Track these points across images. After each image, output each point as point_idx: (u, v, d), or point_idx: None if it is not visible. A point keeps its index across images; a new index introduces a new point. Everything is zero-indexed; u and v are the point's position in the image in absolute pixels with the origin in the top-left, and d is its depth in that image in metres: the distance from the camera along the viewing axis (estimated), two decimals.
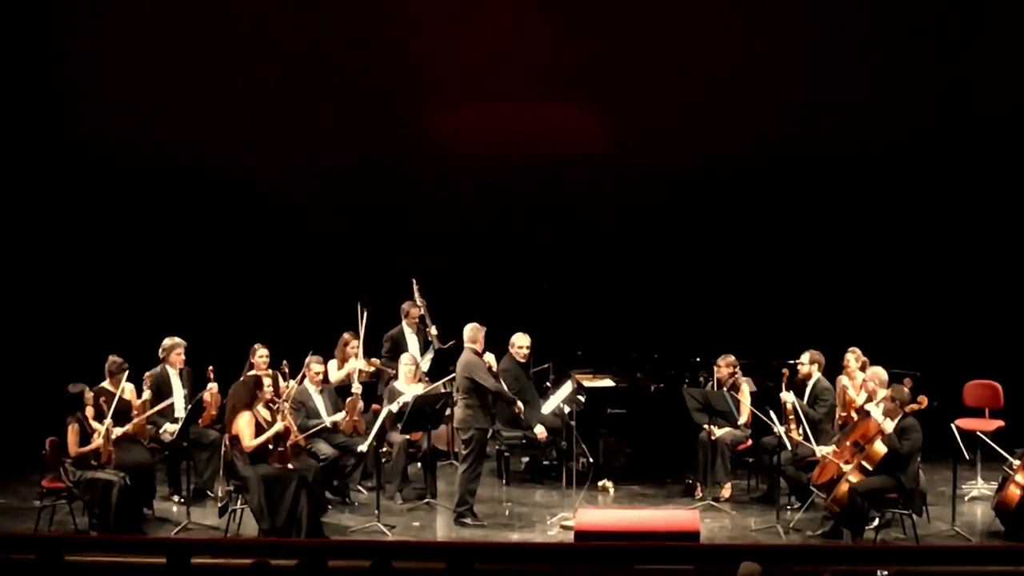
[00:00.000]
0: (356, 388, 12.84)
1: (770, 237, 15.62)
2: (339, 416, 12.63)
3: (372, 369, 13.44)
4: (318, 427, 12.51)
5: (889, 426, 11.57)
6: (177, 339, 12.85)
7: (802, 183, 15.50)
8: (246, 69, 15.55)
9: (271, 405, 11.88)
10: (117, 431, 11.88)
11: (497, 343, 13.00)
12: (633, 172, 15.53)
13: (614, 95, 15.54)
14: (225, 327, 14.68)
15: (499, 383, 12.62)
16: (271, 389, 12.01)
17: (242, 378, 12.38)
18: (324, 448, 12.48)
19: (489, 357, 12.60)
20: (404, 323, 13.94)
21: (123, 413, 12.07)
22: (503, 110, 15.63)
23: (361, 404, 12.91)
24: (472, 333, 12.37)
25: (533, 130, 15.57)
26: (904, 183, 15.47)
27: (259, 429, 11.72)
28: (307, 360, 12.66)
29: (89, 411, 11.85)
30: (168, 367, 12.76)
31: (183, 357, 12.81)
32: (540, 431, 12.94)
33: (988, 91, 15.13)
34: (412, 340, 13.89)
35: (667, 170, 15.40)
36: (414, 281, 14.02)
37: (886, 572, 9.20)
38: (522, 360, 13.32)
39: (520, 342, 13.27)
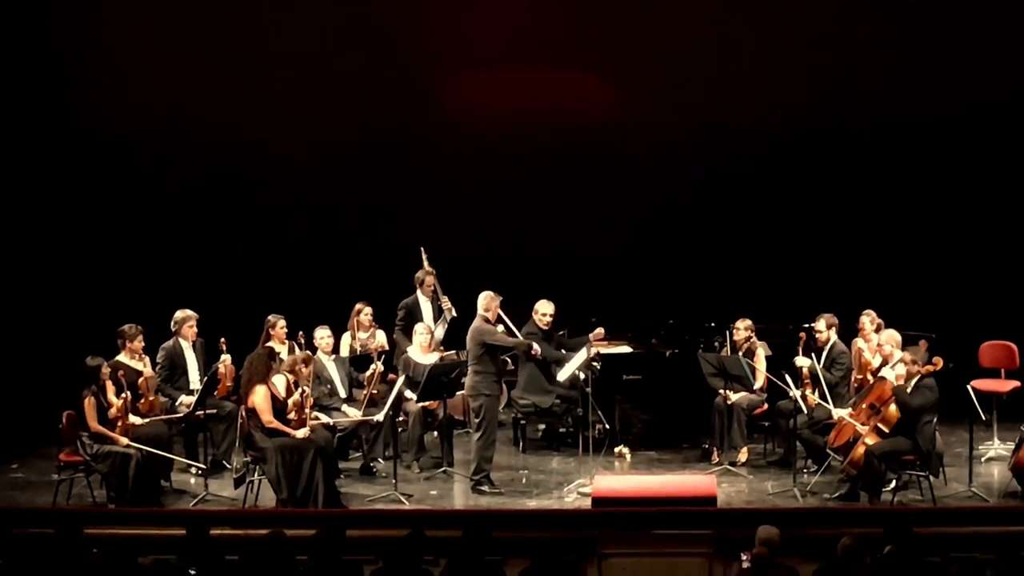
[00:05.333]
0: (378, 365, 12.78)
1: (785, 203, 15.56)
2: (356, 414, 12.59)
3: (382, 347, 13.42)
4: (334, 409, 12.59)
5: (891, 378, 11.60)
6: (189, 311, 12.85)
7: (816, 150, 15.46)
8: (254, 42, 15.52)
9: (288, 375, 11.88)
10: (135, 419, 11.92)
11: (510, 312, 12.99)
12: (647, 140, 15.48)
13: (630, 63, 15.48)
14: (236, 299, 14.66)
15: (510, 340, 12.60)
16: (298, 361, 12.01)
17: (257, 350, 12.39)
18: (340, 420, 12.53)
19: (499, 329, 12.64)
20: (419, 292, 13.92)
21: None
22: (516, 79, 15.54)
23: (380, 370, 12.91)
24: (486, 302, 12.36)
25: (547, 99, 15.50)
26: (918, 149, 15.41)
27: (275, 401, 11.73)
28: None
29: (109, 386, 11.86)
30: (181, 340, 12.77)
31: (195, 329, 12.81)
32: (536, 349, 12.91)
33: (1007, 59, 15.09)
34: (427, 309, 13.88)
35: (682, 139, 15.38)
36: (422, 250, 14.00)
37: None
38: (545, 327, 13.32)
39: (544, 309, 13.29)
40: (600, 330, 13.44)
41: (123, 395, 11.86)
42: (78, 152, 15.55)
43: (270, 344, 12.56)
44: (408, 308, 13.85)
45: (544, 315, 13.29)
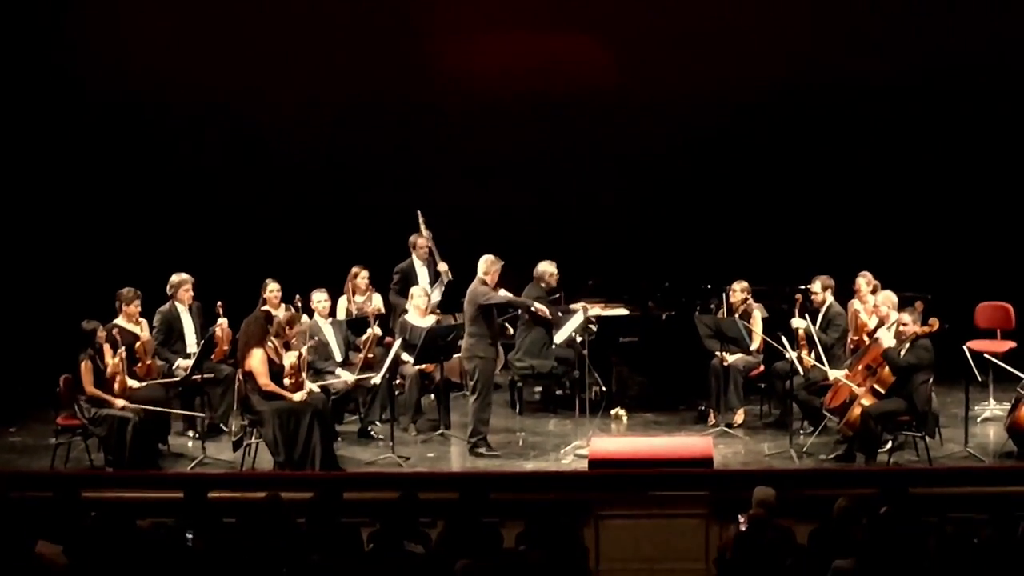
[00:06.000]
0: (374, 329, 12.80)
1: (781, 164, 15.55)
2: (351, 377, 12.56)
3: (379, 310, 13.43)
4: (328, 372, 12.61)
5: (888, 340, 11.60)
6: (184, 275, 12.84)
7: (814, 111, 15.43)
8: (251, 2, 15.54)
9: (274, 339, 11.88)
10: (133, 383, 11.93)
11: (508, 272, 12.93)
12: (644, 103, 15.45)
13: (627, 26, 15.44)
14: (233, 263, 14.68)
15: (510, 296, 12.56)
16: (282, 324, 12.03)
17: (254, 313, 12.40)
18: (335, 383, 12.55)
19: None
20: (413, 255, 13.90)
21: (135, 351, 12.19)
22: (512, 41, 15.51)
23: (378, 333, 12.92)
24: (486, 265, 12.33)
25: (545, 61, 15.49)
26: (914, 108, 15.41)
27: (272, 365, 11.74)
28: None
29: (107, 348, 11.87)
30: (177, 303, 12.77)
31: (191, 293, 12.81)
32: (537, 306, 12.90)
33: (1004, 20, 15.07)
34: (422, 272, 13.87)
35: (678, 100, 15.33)
36: (419, 213, 13.97)
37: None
38: (554, 286, 13.32)
39: (550, 269, 13.28)
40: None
41: (119, 352, 11.85)
42: (74, 114, 15.50)
43: (266, 308, 12.56)
44: (403, 272, 13.84)
45: (552, 275, 13.27)
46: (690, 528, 10.84)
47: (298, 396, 11.71)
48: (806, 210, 15.44)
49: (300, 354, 11.87)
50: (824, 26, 15.24)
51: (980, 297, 13.88)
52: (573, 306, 13.33)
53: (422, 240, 13.88)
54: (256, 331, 11.88)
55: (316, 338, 12.62)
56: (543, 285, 13.30)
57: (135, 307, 12.42)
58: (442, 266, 13.89)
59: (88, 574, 8.28)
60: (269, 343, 11.84)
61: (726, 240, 15.39)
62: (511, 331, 13.55)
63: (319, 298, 12.83)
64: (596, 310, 13.55)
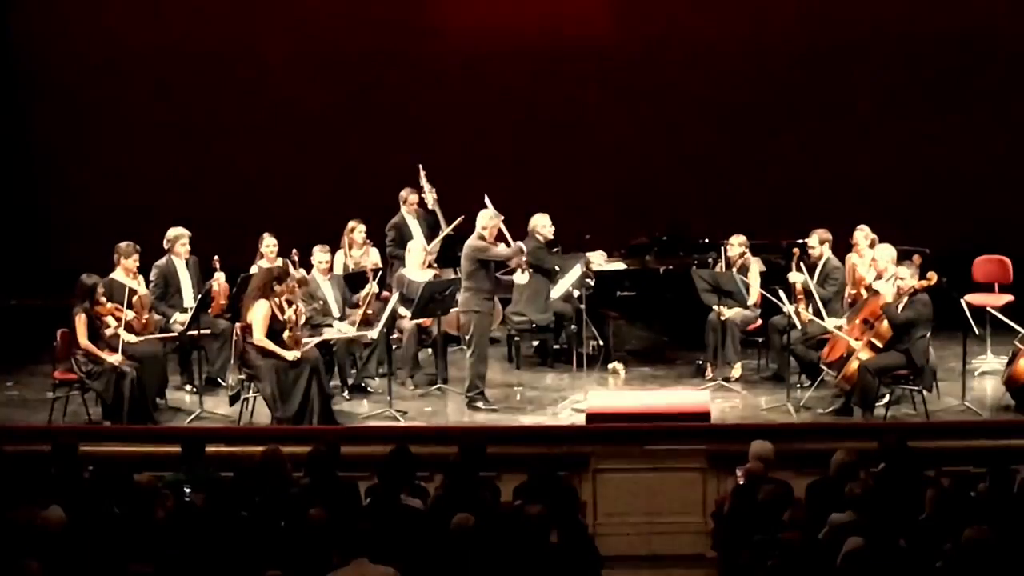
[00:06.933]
0: (372, 287, 12.79)
1: (778, 119, 15.58)
2: (350, 331, 12.53)
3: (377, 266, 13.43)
4: (326, 326, 12.59)
5: (887, 293, 11.66)
6: (181, 229, 12.81)
7: (808, 65, 15.49)
8: None
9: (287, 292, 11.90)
10: (129, 338, 11.89)
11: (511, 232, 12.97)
12: (640, 59, 15.52)
13: None
14: (230, 217, 14.74)
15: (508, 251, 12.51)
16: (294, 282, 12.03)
17: (270, 265, 12.37)
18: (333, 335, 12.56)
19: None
20: (403, 209, 13.84)
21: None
22: None
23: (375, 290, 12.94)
24: (484, 220, 12.34)
25: (543, 16, 15.55)
26: (909, 61, 15.48)
27: (274, 320, 11.70)
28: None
29: (104, 302, 11.85)
30: (174, 258, 12.75)
31: (188, 247, 12.78)
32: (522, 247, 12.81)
33: None
34: (415, 226, 13.81)
35: (675, 58, 15.45)
36: (420, 167, 13.92)
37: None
38: (550, 238, 13.32)
39: (544, 222, 13.30)
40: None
41: (113, 306, 11.87)
42: (67, 60, 15.65)
43: (281, 264, 12.45)
44: (397, 227, 13.80)
45: (545, 226, 13.29)
46: (687, 482, 10.94)
47: (290, 355, 11.65)
48: (804, 164, 15.49)
49: (296, 307, 11.86)
50: None
51: (978, 251, 13.91)
52: (575, 256, 13.33)
53: (412, 195, 13.81)
54: (266, 283, 11.82)
55: (317, 296, 12.60)
56: (539, 238, 13.31)
57: (133, 261, 12.38)
58: (443, 221, 13.78)
59: (87, 529, 8.28)
60: (274, 299, 11.79)
61: (724, 194, 15.43)
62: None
63: (321, 257, 12.74)
64: (599, 259, 13.53)
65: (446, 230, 13.66)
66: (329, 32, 15.59)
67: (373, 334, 12.43)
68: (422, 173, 13.90)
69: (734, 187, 15.50)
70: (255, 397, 11.91)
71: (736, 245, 13.04)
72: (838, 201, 14.75)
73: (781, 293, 12.33)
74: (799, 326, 12.30)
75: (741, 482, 9.22)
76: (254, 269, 12.71)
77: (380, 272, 13.22)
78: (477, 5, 15.62)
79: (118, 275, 12.30)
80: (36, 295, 14.00)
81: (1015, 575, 7.77)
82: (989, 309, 12.84)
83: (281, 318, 11.75)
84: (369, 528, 7.96)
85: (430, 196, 13.85)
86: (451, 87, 15.68)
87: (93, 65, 15.58)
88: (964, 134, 15.38)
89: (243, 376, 11.94)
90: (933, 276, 11.68)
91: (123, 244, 12.43)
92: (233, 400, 12.05)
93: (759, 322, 13.04)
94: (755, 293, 12.93)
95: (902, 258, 12.20)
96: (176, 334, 12.50)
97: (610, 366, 13.26)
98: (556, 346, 13.72)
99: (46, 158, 15.72)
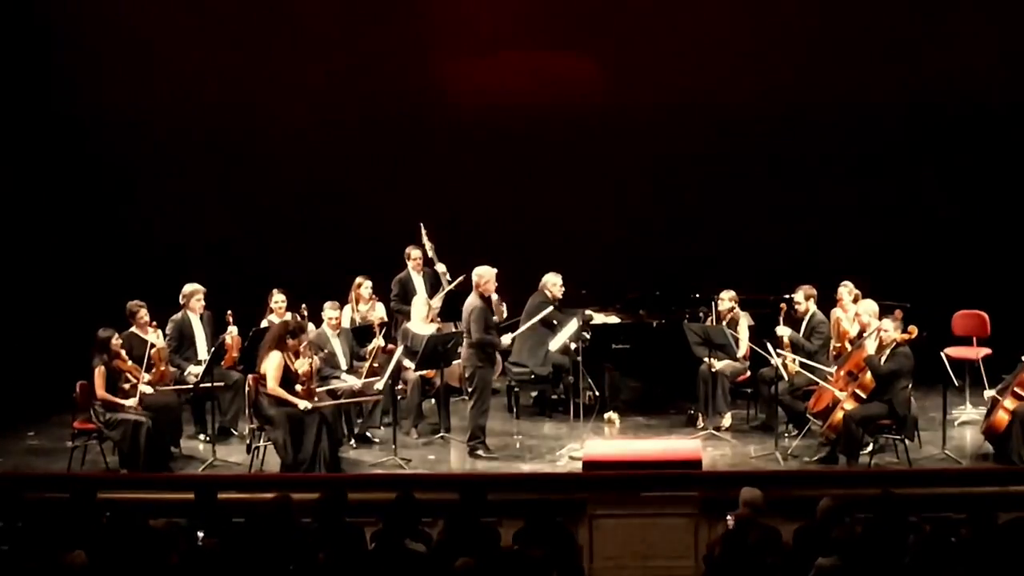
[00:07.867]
0: (378, 341, 13.00)
1: (766, 179, 15.67)
2: (356, 382, 12.71)
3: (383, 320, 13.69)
4: (335, 377, 12.76)
5: (871, 347, 11.86)
6: (196, 285, 13.06)
7: (796, 125, 15.55)
8: (253, 18, 15.69)
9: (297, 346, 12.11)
10: (146, 389, 12.18)
11: (509, 286, 13.27)
12: (635, 120, 15.63)
13: (615, 45, 15.71)
14: (242, 274, 14.91)
15: (486, 334, 12.52)
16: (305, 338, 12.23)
17: (283, 320, 12.61)
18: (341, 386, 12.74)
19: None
20: (409, 266, 14.06)
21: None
22: (513, 59, 15.73)
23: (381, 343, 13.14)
24: (478, 277, 12.59)
25: (543, 80, 15.68)
26: (891, 121, 15.56)
27: (286, 371, 11.95)
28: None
29: (124, 357, 12.13)
30: (189, 312, 12.98)
31: (203, 303, 13.02)
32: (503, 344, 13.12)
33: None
34: (419, 282, 14.02)
35: (668, 118, 15.51)
36: (421, 225, 14.13)
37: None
38: (557, 297, 13.54)
39: (556, 280, 13.54)
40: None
41: (132, 366, 12.15)
42: (89, 124, 15.72)
43: (296, 319, 12.68)
44: (401, 282, 14.01)
45: (555, 285, 13.53)
46: (680, 527, 11.03)
47: (302, 404, 11.89)
48: (791, 222, 15.55)
49: (311, 360, 12.08)
50: (820, 45, 15.49)
51: (956, 306, 14.08)
52: (574, 311, 13.54)
53: (416, 252, 14.01)
54: (280, 335, 12.07)
55: (326, 350, 12.81)
56: (548, 294, 13.55)
57: (143, 316, 12.59)
58: (440, 267, 14.02)
59: (104, 572, 8.45)
60: (287, 352, 12.02)
61: (714, 251, 15.49)
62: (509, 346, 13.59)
63: (331, 313, 12.89)
64: (599, 316, 13.78)
65: (448, 286, 13.90)
66: (338, 92, 15.78)
67: (379, 385, 12.63)
68: (423, 231, 14.16)
69: (724, 243, 15.59)
70: (266, 446, 12.08)
71: (726, 300, 13.23)
72: (823, 257, 14.86)
73: (769, 346, 12.53)
74: (786, 378, 12.48)
75: (731, 527, 9.28)
76: (264, 324, 13.00)
77: (385, 326, 13.47)
78: (477, 70, 15.75)
79: (135, 330, 12.59)
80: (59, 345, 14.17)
81: None
82: (977, 363, 13.02)
83: (293, 368, 12.02)
84: (375, 572, 8.16)
85: (431, 251, 14.07)
86: (451, 148, 15.82)
87: (109, 118, 15.73)
88: (942, 194, 15.48)
89: (255, 425, 12.14)
90: (914, 330, 11.87)
91: (129, 304, 12.67)
92: (250, 448, 12.20)
93: (748, 374, 13.22)
94: (744, 346, 13.14)
95: (884, 312, 12.39)
96: (190, 385, 12.70)
97: (606, 416, 13.45)
98: (554, 396, 13.91)
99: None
